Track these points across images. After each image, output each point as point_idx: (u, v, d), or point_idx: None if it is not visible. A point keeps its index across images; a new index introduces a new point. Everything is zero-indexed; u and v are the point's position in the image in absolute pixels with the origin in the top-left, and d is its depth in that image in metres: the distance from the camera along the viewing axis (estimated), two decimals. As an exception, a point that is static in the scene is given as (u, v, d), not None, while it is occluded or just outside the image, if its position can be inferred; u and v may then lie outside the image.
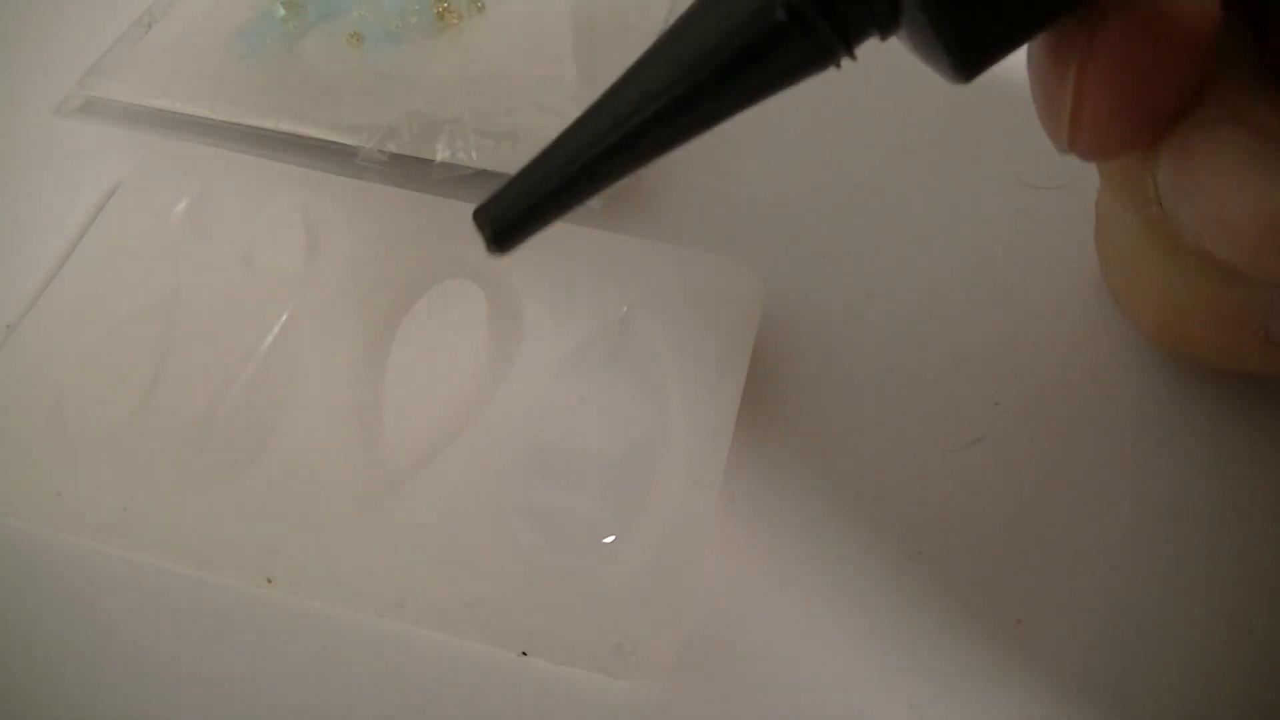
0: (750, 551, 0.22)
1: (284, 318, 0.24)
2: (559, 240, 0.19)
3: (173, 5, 0.31)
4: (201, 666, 0.20)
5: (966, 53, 0.14)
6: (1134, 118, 0.16)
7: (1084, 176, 0.21)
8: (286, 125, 0.28)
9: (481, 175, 0.27)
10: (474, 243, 0.25)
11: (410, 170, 0.28)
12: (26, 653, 0.20)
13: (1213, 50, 0.16)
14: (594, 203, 0.23)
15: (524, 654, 0.20)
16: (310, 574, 0.21)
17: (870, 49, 0.15)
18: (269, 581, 0.21)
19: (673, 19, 0.32)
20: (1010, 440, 0.23)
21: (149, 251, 0.25)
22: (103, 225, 0.25)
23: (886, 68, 0.18)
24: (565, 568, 0.21)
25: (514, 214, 0.17)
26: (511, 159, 0.27)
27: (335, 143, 0.28)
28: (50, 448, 0.22)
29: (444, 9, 0.30)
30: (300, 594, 0.21)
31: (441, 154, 0.27)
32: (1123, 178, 0.19)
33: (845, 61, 0.15)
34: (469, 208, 0.26)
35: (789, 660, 0.20)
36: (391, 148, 0.28)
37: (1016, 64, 0.16)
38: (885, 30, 0.15)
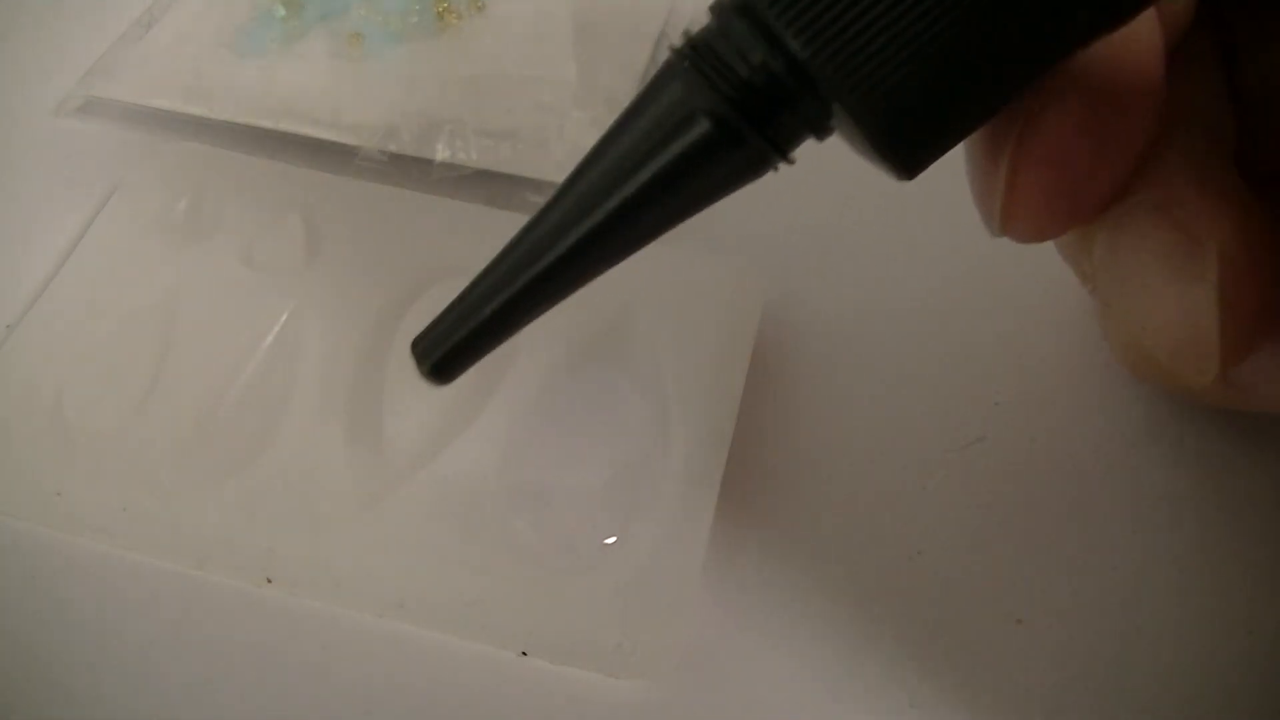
0: (750, 551, 0.22)
1: (284, 318, 0.24)
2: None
3: (173, 5, 0.31)
4: (201, 666, 0.20)
5: (902, 157, 0.14)
6: (1065, 207, 0.16)
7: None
8: (286, 125, 0.28)
9: (481, 175, 0.27)
10: (474, 242, 0.25)
11: (410, 170, 0.28)
12: (27, 652, 0.20)
13: (1153, 133, 0.16)
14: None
15: (524, 654, 0.20)
16: (310, 574, 0.21)
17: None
18: (269, 581, 0.21)
19: (672, 19, 0.32)
20: (1010, 440, 0.23)
21: (149, 251, 0.25)
22: (103, 225, 0.25)
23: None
24: (565, 568, 0.21)
25: (449, 347, 0.17)
26: (511, 159, 0.27)
27: (335, 143, 0.28)
28: (50, 448, 0.22)
29: (444, 9, 0.30)
30: (300, 594, 0.21)
31: (441, 154, 0.27)
32: (1066, 250, 0.19)
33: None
34: (469, 208, 0.26)
35: (789, 660, 0.20)
36: (391, 148, 0.28)
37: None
38: (819, 133, 0.15)
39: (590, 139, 0.29)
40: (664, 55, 0.32)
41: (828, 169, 0.28)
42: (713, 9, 0.15)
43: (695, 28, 0.15)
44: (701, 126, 0.14)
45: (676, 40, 0.15)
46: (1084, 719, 0.20)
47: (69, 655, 0.20)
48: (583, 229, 0.15)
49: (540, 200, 0.27)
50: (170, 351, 0.23)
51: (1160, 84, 0.16)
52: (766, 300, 0.24)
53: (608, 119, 0.29)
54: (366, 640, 0.20)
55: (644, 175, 0.15)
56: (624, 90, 0.29)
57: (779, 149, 0.15)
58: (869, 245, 0.27)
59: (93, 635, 0.20)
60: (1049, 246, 0.26)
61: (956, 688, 0.20)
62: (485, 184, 0.28)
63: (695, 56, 0.14)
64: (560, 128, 0.28)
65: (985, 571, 0.21)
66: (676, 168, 0.15)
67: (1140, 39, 0.15)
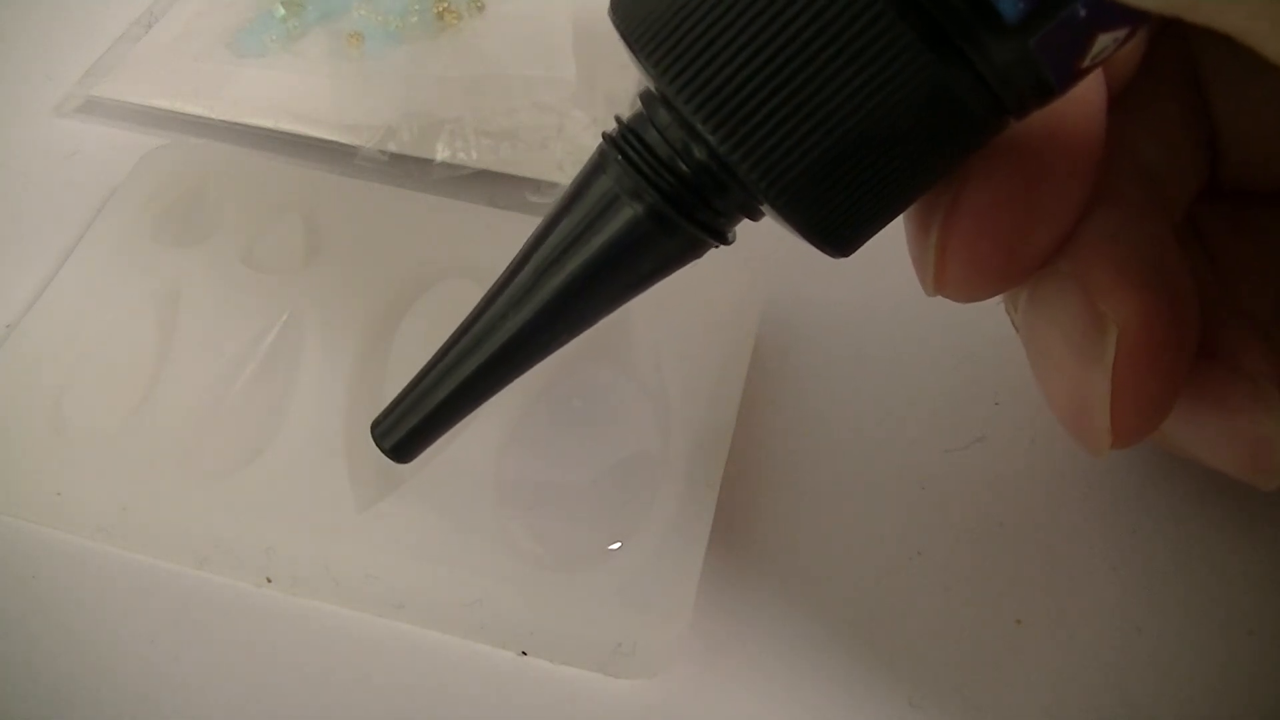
0: (750, 551, 0.22)
1: (284, 318, 0.24)
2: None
3: (173, 5, 0.31)
4: (201, 666, 0.20)
5: (834, 241, 0.14)
6: (993, 273, 0.16)
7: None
8: (286, 125, 0.28)
9: (481, 175, 0.27)
10: (474, 242, 0.25)
11: (410, 170, 0.28)
12: (27, 651, 0.20)
13: (1087, 195, 0.16)
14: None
15: (524, 654, 0.20)
16: (310, 574, 0.21)
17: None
18: (268, 581, 0.21)
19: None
20: (1010, 440, 0.23)
21: (149, 251, 0.25)
22: (103, 225, 0.25)
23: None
24: (565, 568, 0.21)
25: (405, 432, 0.18)
26: (511, 159, 0.27)
27: (335, 143, 0.28)
28: (50, 448, 0.22)
29: (444, 9, 0.30)
30: (299, 594, 0.21)
31: (441, 154, 0.27)
32: (1003, 300, 0.19)
33: None
34: (469, 208, 0.26)
35: (788, 660, 0.20)
36: (391, 148, 0.28)
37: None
38: (752, 215, 0.15)
39: (590, 139, 0.29)
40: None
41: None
42: (641, 96, 0.15)
43: (627, 114, 0.15)
44: (632, 215, 0.15)
45: (610, 126, 0.15)
46: (1084, 719, 0.20)
47: (69, 655, 0.20)
48: (521, 317, 0.16)
49: (540, 200, 0.27)
50: (170, 351, 0.23)
51: (1097, 144, 0.16)
52: (766, 300, 0.24)
53: (608, 119, 0.29)
54: (366, 640, 0.20)
55: (579, 263, 0.15)
56: (624, 90, 0.29)
57: (713, 233, 0.15)
58: (869, 245, 0.27)
59: (93, 635, 0.20)
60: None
61: (956, 688, 0.20)
62: (485, 184, 0.28)
63: (625, 144, 0.15)
64: (560, 128, 0.28)
65: (985, 571, 0.22)
66: (611, 255, 0.15)
67: (1082, 99, 0.15)
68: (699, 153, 0.14)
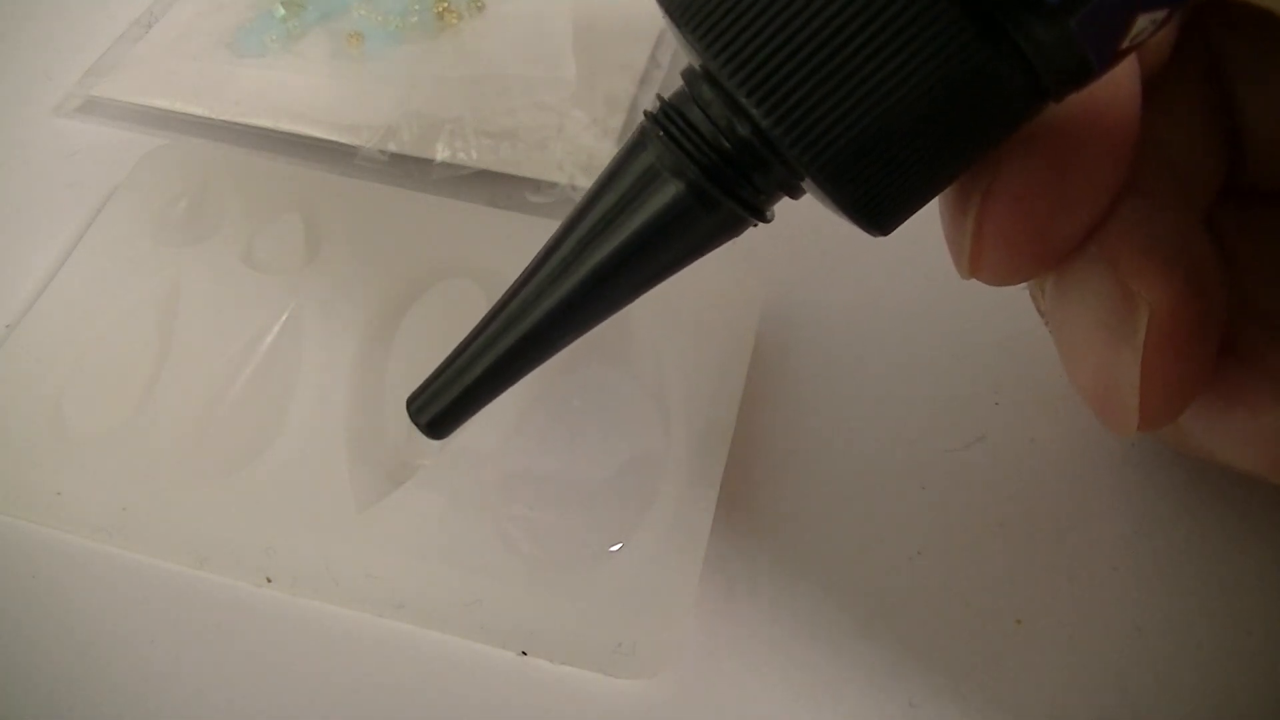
0: (750, 551, 0.22)
1: (284, 318, 0.24)
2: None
3: (173, 5, 0.31)
4: (201, 666, 0.20)
5: (869, 220, 0.14)
6: (1028, 257, 0.16)
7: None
8: (286, 125, 0.28)
9: (481, 175, 0.27)
10: (474, 242, 0.25)
11: (410, 170, 0.28)
12: (27, 651, 0.20)
13: (1121, 181, 0.16)
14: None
15: (524, 654, 0.20)
16: (310, 574, 0.21)
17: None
18: (268, 581, 0.21)
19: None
20: (1010, 440, 0.23)
21: (149, 251, 0.25)
22: (103, 225, 0.25)
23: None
24: (565, 568, 0.21)
25: (442, 407, 0.17)
26: (511, 159, 0.27)
27: (335, 143, 0.28)
28: (50, 448, 0.22)
29: (444, 9, 0.30)
30: (299, 594, 0.21)
31: (441, 154, 0.27)
32: (1029, 286, 0.19)
33: None
34: (469, 208, 0.26)
35: (788, 660, 0.20)
36: (391, 148, 0.28)
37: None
38: (792, 193, 0.15)
39: (590, 139, 0.29)
40: (664, 55, 0.32)
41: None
42: (684, 74, 0.15)
43: (668, 92, 0.15)
44: (674, 192, 0.15)
45: (651, 104, 0.15)
46: (1084, 719, 0.20)
47: (69, 655, 0.20)
48: (559, 294, 0.16)
49: (540, 200, 0.27)
50: (170, 351, 0.23)
51: (1133, 130, 0.16)
52: (766, 300, 0.24)
53: (608, 119, 0.29)
54: (366, 640, 0.20)
55: (619, 240, 0.15)
56: (624, 90, 0.29)
57: (752, 210, 0.15)
58: (869, 245, 0.27)
59: (93, 635, 0.20)
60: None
61: (956, 688, 0.20)
62: (485, 184, 0.28)
63: (667, 121, 0.15)
64: (560, 128, 0.28)
65: (985, 571, 0.21)
66: (652, 232, 0.15)
67: (1117, 84, 0.15)
68: (742, 129, 0.14)
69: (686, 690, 0.20)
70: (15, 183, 0.28)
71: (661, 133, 0.15)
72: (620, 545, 0.21)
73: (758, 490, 0.22)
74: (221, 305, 0.24)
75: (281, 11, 0.30)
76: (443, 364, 0.18)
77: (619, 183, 0.15)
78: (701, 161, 0.14)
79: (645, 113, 0.15)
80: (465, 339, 0.17)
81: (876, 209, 0.14)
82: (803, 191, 0.15)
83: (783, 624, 0.21)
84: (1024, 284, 0.18)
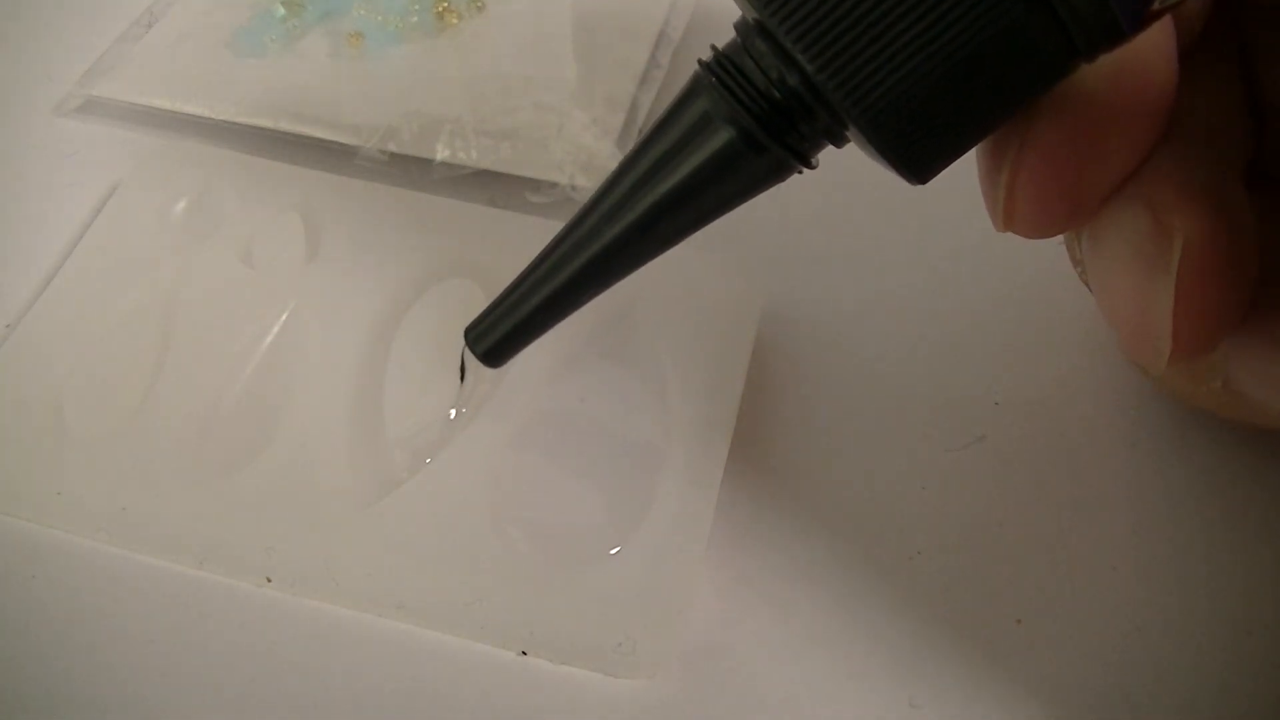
0: (750, 551, 0.22)
1: (284, 318, 0.24)
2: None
3: (173, 5, 0.31)
4: (201, 665, 0.20)
5: (909, 168, 0.15)
6: (1061, 209, 0.17)
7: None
8: (286, 125, 0.28)
9: (481, 175, 0.27)
10: (474, 242, 0.25)
11: (410, 170, 0.28)
12: (27, 652, 0.20)
13: (1154, 140, 0.17)
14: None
15: (524, 654, 0.20)
16: (310, 574, 0.21)
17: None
18: (268, 581, 0.21)
19: (672, 19, 0.32)
20: (1010, 440, 0.23)
21: (149, 251, 0.25)
22: (103, 225, 0.25)
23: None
24: (565, 568, 0.21)
25: (500, 336, 0.19)
26: (511, 159, 0.27)
27: (335, 143, 0.28)
28: (50, 448, 0.22)
29: (444, 9, 0.30)
30: (300, 593, 0.21)
31: (441, 154, 0.27)
32: (1067, 242, 0.20)
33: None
34: (469, 208, 0.26)
35: (788, 659, 0.20)
36: (391, 148, 0.28)
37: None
38: (837, 141, 0.16)
39: (590, 139, 0.29)
40: (664, 55, 0.32)
41: (829, 170, 0.28)
42: (737, 26, 0.16)
43: (721, 42, 0.16)
44: (725, 137, 0.16)
45: (705, 54, 0.16)
46: (1084, 719, 0.20)
47: (69, 655, 0.20)
48: (618, 229, 0.17)
49: (540, 200, 0.27)
50: (170, 351, 0.23)
51: (1168, 90, 0.16)
52: (766, 300, 0.24)
53: (608, 119, 0.29)
54: (366, 640, 0.20)
55: (674, 180, 0.16)
56: (624, 90, 0.29)
57: (799, 156, 0.16)
58: (869, 245, 0.27)
59: (93, 634, 0.20)
60: (1049, 246, 0.26)
61: (956, 688, 0.20)
62: (485, 184, 0.28)
63: (720, 70, 0.16)
64: (560, 128, 0.28)
65: (985, 571, 0.21)
66: (704, 174, 0.16)
67: (1153, 45, 0.16)
68: (792, 79, 0.15)
69: (686, 690, 0.20)
70: (15, 183, 0.28)
71: (715, 80, 0.16)
72: (620, 545, 0.21)
73: (757, 490, 0.22)
74: (221, 305, 0.24)
75: (281, 11, 0.30)
76: (500, 297, 0.19)
77: (674, 128, 0.16)
78: (753, 110, 0.15)
79: (700, 61, 0.16)
80: (522, 273, 0.18)
81: (914, 157, 0.15)
82: (846, 140, 0.16)
83: (782, 623, 0.21)
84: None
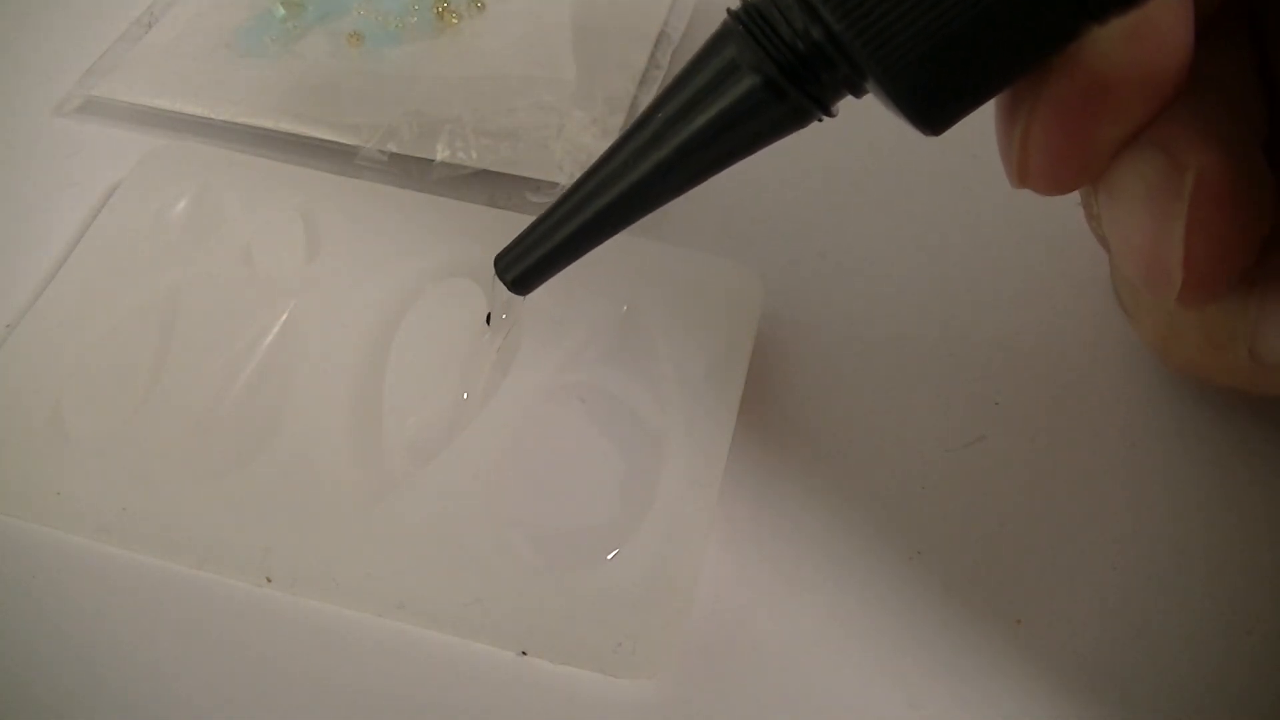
0: (750, 551, 0.22)
1: (284, 318, 0.24)
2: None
3: (173, 5, 0.31)
4: (201, 666, 0.20)
5: (926, 116, 0.15)
6: (1073, 164, 0.17)
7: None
8: (286, 125, 0.28)
9: (481, 175, 0.27)
10: (474, 242, 0.25)
11: (410, 170, 0.28)
12: (27, 652, 0.20)
13: (1166, 103, 0.17)
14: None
15: (523, 654, 0.20)
16: (309, 574, 0.21)
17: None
18: (268, 581, 0.21)
19: (672, 19, 0.32)
20: (1010, 440, 0.23)
21: (149, 251, 0.25)
22: (103, 225, 0.25)
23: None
24: (565, 568, 0.21)
25: (528, 264, 0.20)
26: (511, 159, 0.27)
27: (335, 143, 0.28)
28: (50, 448, 0.22)
29: (444, 9, 0.30)
30: (299, 593, 0.21)
31: (441, 154, 0.27)
32: (1083, 198, 0.20)
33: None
34: (469, 208, 0.26)
35: (788, 660, 0.20)
36: (391, 148, 0.28)
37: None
38: (856, 92, 0.16)
39: (590, 139, 0.29)
40: (664, 55, 0.32)
41: (828, 169, 0.28)
42: None
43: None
44: (750, 82, 0.16)
45: (734, 4, 0.17)
46: (1084, 719, 0.20)
47: (69, 655, 0.20)
48: (646, 167, 0.18)
49: (540, 200, 0.27)
50: (170, 351, 0.23)
51: (1182, 53, 0.17)
52: (766, 300, 0.24)
53: (608, 119, 0.29)
54: (366, 640, 0.20)
55: (700, 122, 0.17)
56: (624, 90, 0.29)
57: (819, 104, 0.16)
58: (869, 245, 0.27)
59: (93, 635, 0.20)
60: (1049, 247, 0.26)
61: (956, 688, 0.20)
62: (485, 184, 0.28)
63: (748, 20, 0.16)
64: (560, 128, 0.28)
65: (985, 571, 0.21)
66: (729, 117, 0.17)
67: (1168, 10, 0.16)
68: (816, 32, 0.15)
69: (686, 690, 0.20)
70: (15, 183, 0.28)
71: (743, 29, 0.16)
72: (620, 546, 0.21)
73: (757, 490, 0.22)
74: (221, 305, 0.24)
75: (281, 11, 0.30)
76: (529, 228, 0.20)
77: (702, 73, 0.17)
78: (778, 59, 0.16)
79: (729, 10, 0.17)
80: (551, 205, 0.19)
81: (929, 109, 0.15)
82: (865, 91, 0.16)
83: (782, 624, 0.21)
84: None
